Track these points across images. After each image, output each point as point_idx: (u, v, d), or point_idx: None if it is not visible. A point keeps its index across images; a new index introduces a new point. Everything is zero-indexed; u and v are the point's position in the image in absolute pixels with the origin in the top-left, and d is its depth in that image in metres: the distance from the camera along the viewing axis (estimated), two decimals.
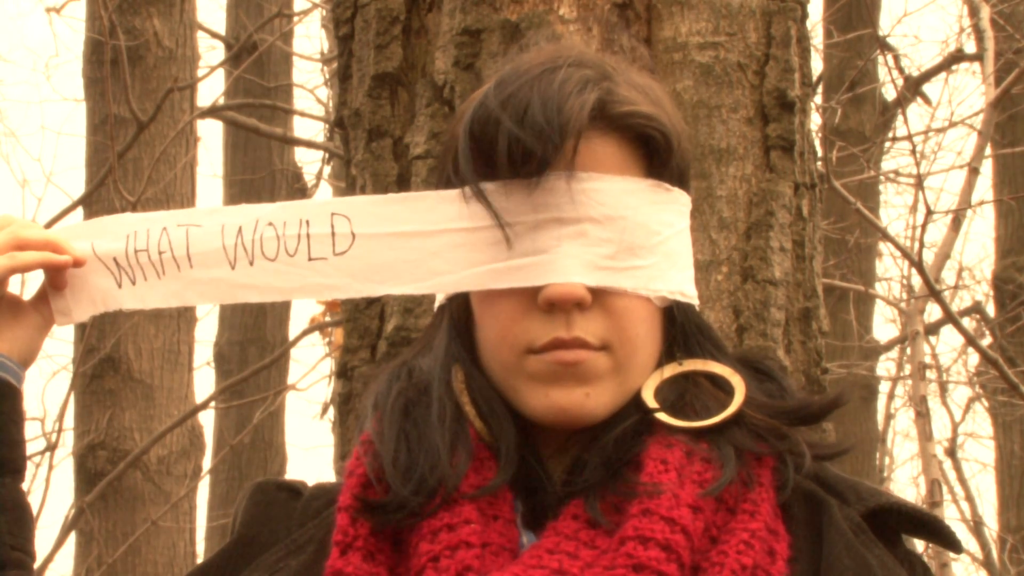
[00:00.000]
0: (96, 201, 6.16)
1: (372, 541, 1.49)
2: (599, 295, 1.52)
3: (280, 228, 1.64)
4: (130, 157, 6.29)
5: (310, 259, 1.63)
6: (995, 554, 8.82)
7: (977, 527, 9.55)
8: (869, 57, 8.38)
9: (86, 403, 6.46)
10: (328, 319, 7.36)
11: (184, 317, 6.69)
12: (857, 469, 8.94)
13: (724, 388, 1.57)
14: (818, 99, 7.80)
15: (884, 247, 9.99)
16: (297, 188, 10.19)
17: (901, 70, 9.96)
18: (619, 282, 1.52)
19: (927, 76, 9.99)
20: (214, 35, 10.35)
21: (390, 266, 1.61)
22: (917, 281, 5.59)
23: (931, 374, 9.40)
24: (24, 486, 1.71)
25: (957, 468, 10.89)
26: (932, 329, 8.57)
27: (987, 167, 9.25)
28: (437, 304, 1.64)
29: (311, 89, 11.21)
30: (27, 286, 1.83)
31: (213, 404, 7.47)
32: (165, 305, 1.69)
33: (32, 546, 1.66)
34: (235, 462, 9.80)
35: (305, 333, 7.12)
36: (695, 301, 1.61)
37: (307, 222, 1.63)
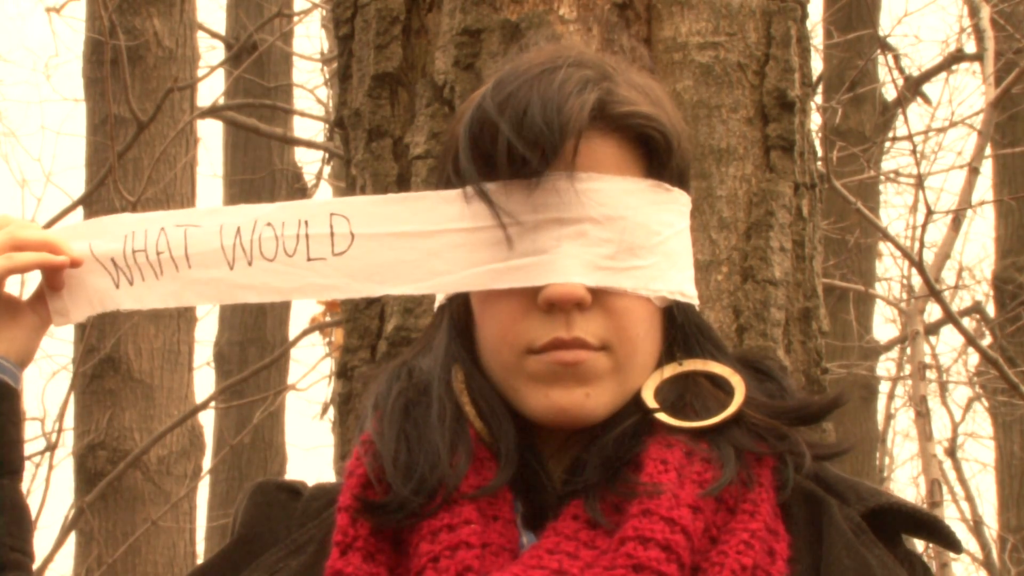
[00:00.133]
0: (96, 201, 6.16)
1: (372, 541, 1.49)
2: (599, 295, 1.52)
3: (279, 228, 1.64)
4: (130, 157, 6.29)
5: (309, 259, 1.63)
6: (995, 554, 8.82)
7: (977, 527, 9.55)
8: (869, 57, 8.38)
9: (86, 403, 6.46)
10: (328, 319, 7.35)
11: (184, 317, 6.69)
12: (857, 469, 8.94)
13: (724, 388, 1.57)
14: (818, 99, 7.80)
15: (884, 247, 9.99)
16: (297, 188, 10.19)
17: (901, 70, 9.96)
18: (619, 282, 1.52)
19: (927, 76, 9.99)
20: (214, 35, 10.35)
21: (389, 266, 1.60)
22: (917, 281, 5.59)
23: (931, 374, 9.40)
24: (24, 486, 1.70)
25: (957, 468, 10.89)
26: (932, 329, 8.57)
27: (987, 167, 9.26)
28: (437, 304, 1.64)
29: (311, 89, 11.22)
30: (26, 286, 1.82)
31: (213, 404, 7.47)
32: (163, 305, 1.68)
33: (31, 546, 1.66)
34: (235, 462, 9.80)
35: (305, 333, 7.12)
36: (695, 301, 1.61)
37: (306, 222, 1.63)
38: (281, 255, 1.64)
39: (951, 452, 10.53)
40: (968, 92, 16.35)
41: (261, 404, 8.08)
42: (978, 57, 6.39)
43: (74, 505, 6.12)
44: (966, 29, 9.53)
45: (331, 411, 7.99)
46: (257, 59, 8.43)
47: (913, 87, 9.66)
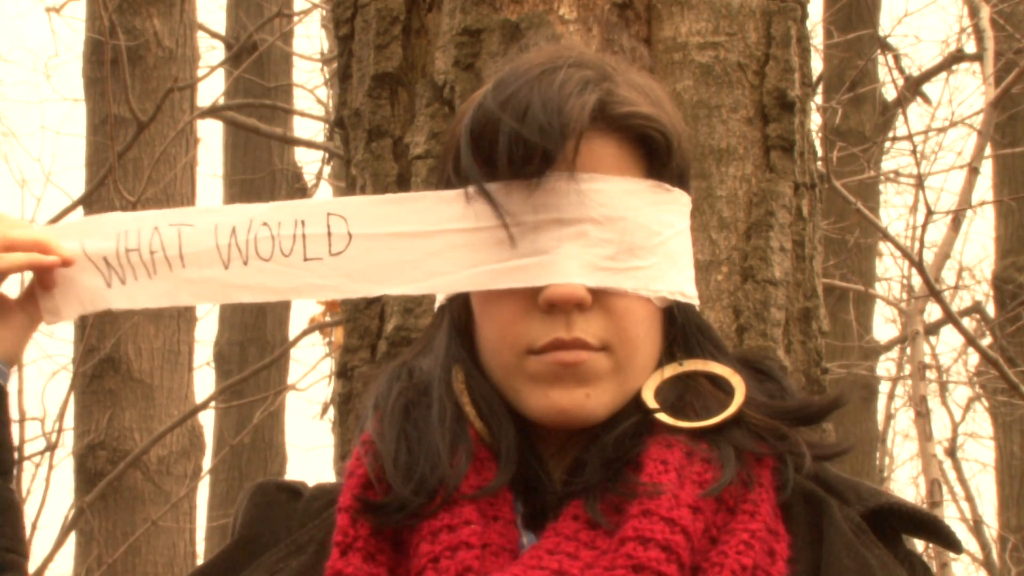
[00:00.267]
0: (96, 201, 6.15)
1: (372, 542, 1.49)
2: (599, 296, 1.52)
3: (275, 228, 1.63)
4: (130, 157, 6.29)
5: (306, 259, 1.62)
6: (995, 554, 8.82)
7: (977, 527, 9.55)
8: (869, 57, 8.38)
9: (86, 403, 6.46)
10: (328, 319, 7.35)
11: (184, 317, 6.69)
12: (857, 469, 8.94)
13: (724, 388, 1.57)
14: (818, 99, 7.80)
15: (884, 247, 9.99)
16: (297, 188, 10.19)
17: (901, 70, 9.96)
18: (619, 283, 1.52)
19: (927, 76, 9.99)
20: (214, 35, 10.36)
21: (388, 266, 1.60)
22: (917, 281, 5.59)
23: (931, 374, 9.41)
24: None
25: (957, 468, 10.90)
26: (932, 329, 8.58)
27: (987, 167, 9.26)
28: (437, 304, 1.64)
29: (311, 89, 11.22)
30: (16, 284, 1.82)
31: (213, 404, 7.47)
32: (156, 305, 1.68)
33: (24, 546, 1.65)
34: (235, 462, 9.80)
35: (305, 333, 7.12)
36: (695, 301, 1.61)
37: (302, 222, 1.62)
38: (277, 255, 1.63)
39: (951, 452, 10.54)
40: (968, 92, 16.37)
41: (261, 404, 8.08)
42: (978, 57, 6.39)
43: (74, 505, 6.12)
44: (966, 29, 9.54)
45: (331, 411, 7.99)
46: (257, 59, 8.43)
47: (913, 87, 9.66)
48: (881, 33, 8.01)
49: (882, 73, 9.60)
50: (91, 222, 1.70)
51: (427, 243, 1.58)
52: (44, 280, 1.68)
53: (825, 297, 2.45)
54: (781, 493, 1.52)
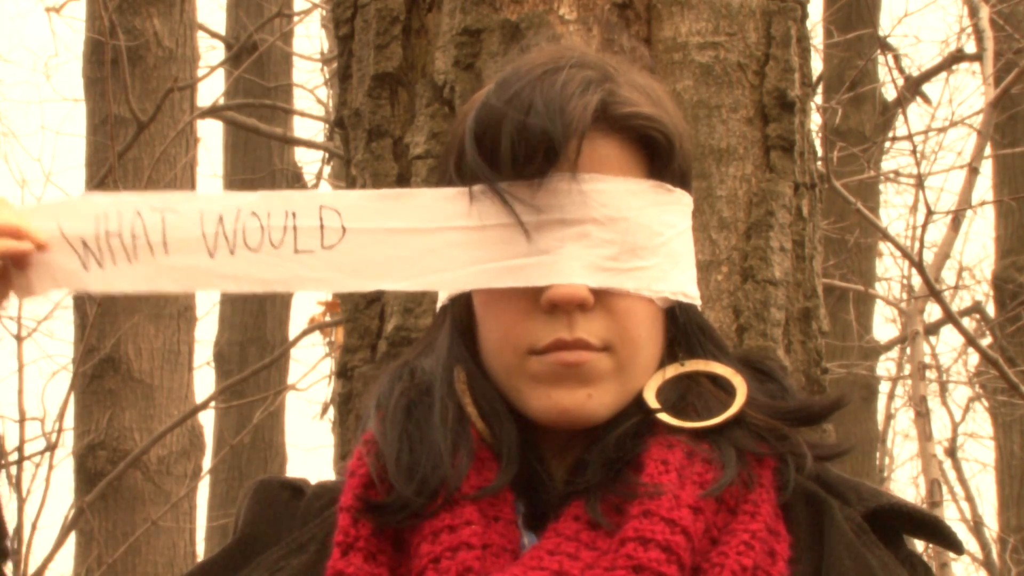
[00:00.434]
0: None
1: (374, 542, 1.49)
2: (601, 296, 1.52)
3: (264, 219, 1.60)
4: (130, 157, 6.30)
5: (296, 251, 1.59)
6: (995, 554, 8.82)
7: (977, 527, 9.55)
8: (869, 57, 8.38)
9: (86, 403, 6.46)
10: (328, 319, 7.36)
11: (184, 317, 6.69)
12: (857, 469, 8.94)
13: (725, 388, 1.57)
14: (818, 99, 7.80)
15: (884, 247, 9.99)
16: (297, 188, 10.19)
17: (901, 70, 9.97)
18: (622, 283, 1.52)
19: (927, 76, 10.00)
20: (214, 35, 10.36)
21: (382, 262, 1.58)
22: (917, 281, 5.59)
23: (931, 374, 9.41)
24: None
25: (957, 468, 10.90)
26: (932, 329, 8.58)
27: (987, 167, 9.26)
28: (439, 305, 1.64)
29: (311, 89, 11.22)
30: None
31: (213, 404, 7.47)
32: (135, 290, 1.63)
33: (3, 541, 1.63)
34: (235, 462, 9.80)
35: (305, 333, 7.12)
36: (697, 302, 1.61)
37: (293, 214, 1.59)
38: (267, 246, 1.59)
39: (951, 452, 10.54)
40: (968, 92, 16.36)
41: (261, 404, 8.08)
42: (978, 57, 6.39)
43: (74, 505, 6.12)
44: (966, 29, 9.54)
45: (331, 411, 7.99)
46: (257, 59, 8.43)
47: (913, 87, 9.67)
48: (881, 33, 8.01)
49: (882, 73, 9.61)
50: (69, 203, 1.65)
51: (425, 240, 1.57)
52: (18, 262, 1.62)
53: (825, 297, 2.45)
54: (782, 494, 1.52)
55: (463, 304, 1.60)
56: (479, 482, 1.50)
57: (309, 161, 11.19)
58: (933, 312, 7.66)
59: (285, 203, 1.60)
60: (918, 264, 4.22)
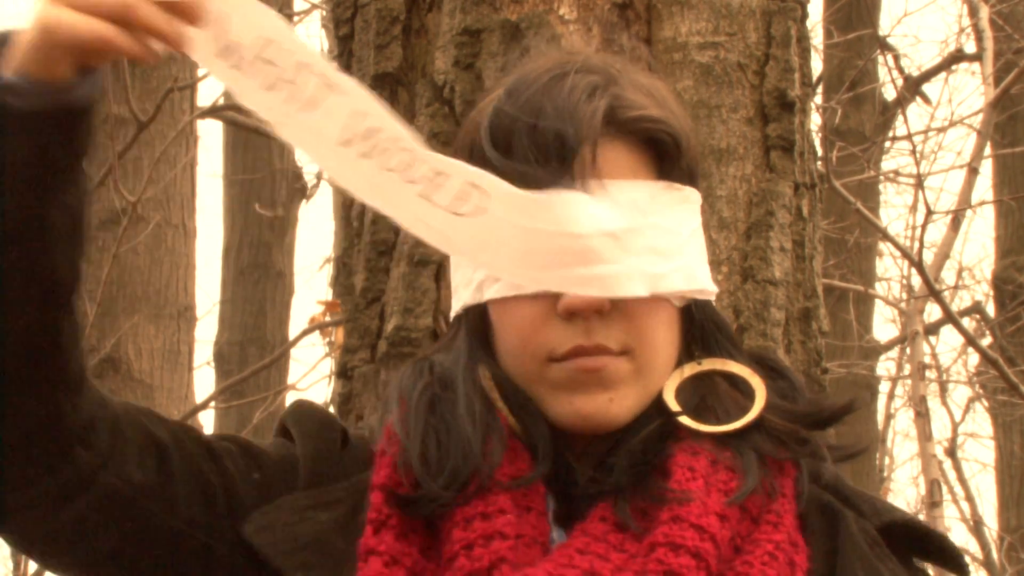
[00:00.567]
0: (96, 201, 6.16)
1: (406, 520, 1.48)
2: (617, 300, 1.51)
3: (410, 157, 1.47)
4: (130, 157, 6.29)
5: (421, 196, 1.47)
6: (995, 554, 8.82)
7: (977, 527, 9.56)
8: (869, 57, 8.39)
9: None
10: (328, 319, 7.36)
11: (184, 317, 6.70)
12: (857, 469, 8.94)
13: (740, 388, 1.57)
14: (818, 99, 7.80)
15: (884, 247, 10.00)
16: (297, 188, 10.20)
17: (901, 70, 9.97)
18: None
19: (927, 76, 10.00)
20: None
21: (495, 248, 1.48)
22: (917, 281, 5.59)
23: (931, 374, 9.41)
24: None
25: (957, 468, 10.90)
26: (932, 329, 8.58)
27: (987, 167, 9.26)
28: (452, 314, 1.63)
29: None
30: None
31: (213, 404, 7.47)
32: (259, 111, 1.46)
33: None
34: None
35: (305, 333, 7.12)
36: (715, 293, 1.60)
37: (441, 173, 1.48)
38: (402, 172, 1.47)
39: (951, 452, 10.54)
40: (968, 92, 16.37)
41: (261, 404, 8.08)
42: (977, 57, 6.39)
43: None
44: (965, 29, 9.54)
45: (331, 411, 7.98)
46: None
47: (913, 87, 9.67)
48: (881, 33, 8.02)
49: (882, 73, 9.61)
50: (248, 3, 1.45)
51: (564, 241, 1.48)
52: (189, 15, 1.40)
53: (825, 297, 2.45)
54: (799, 503, 1.52)
55: (477, 314, 1.58)
56: (512, 471, 1.49)
57: (309, 161, 11.20)
58: (933, 312, 7.66)
59: (433, 161, 1.48)
60: (918, 264, 4.23)
